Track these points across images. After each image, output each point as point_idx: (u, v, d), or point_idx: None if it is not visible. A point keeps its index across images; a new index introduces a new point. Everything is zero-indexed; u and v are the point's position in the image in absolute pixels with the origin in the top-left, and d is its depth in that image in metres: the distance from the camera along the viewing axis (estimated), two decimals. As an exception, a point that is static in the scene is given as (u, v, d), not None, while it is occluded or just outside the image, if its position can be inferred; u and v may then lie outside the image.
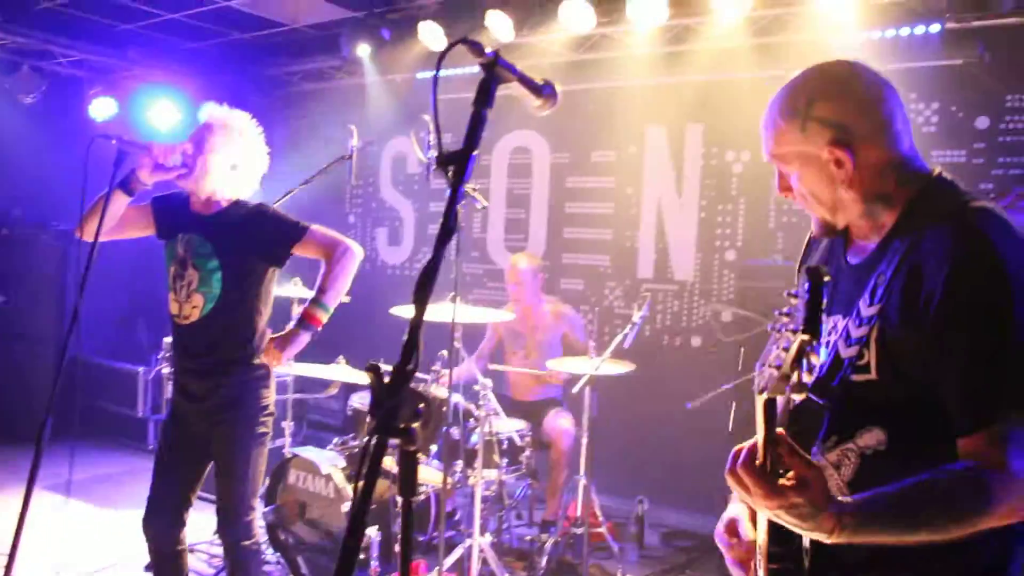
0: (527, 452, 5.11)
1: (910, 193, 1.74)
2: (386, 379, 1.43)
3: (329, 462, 5.01)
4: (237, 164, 3.62)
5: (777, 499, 1.47)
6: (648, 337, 6.68)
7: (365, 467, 1.37)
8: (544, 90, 1.78)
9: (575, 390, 4.95)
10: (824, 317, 1.69)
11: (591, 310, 7.03)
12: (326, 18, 7.13)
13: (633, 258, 6.88)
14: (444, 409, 4.64)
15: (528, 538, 5.55)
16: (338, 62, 7.47)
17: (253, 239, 3.61)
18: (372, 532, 4.68)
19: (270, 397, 3.71)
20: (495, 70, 1.63)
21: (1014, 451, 1.49)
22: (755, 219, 6.38)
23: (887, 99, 1.77)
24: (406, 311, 4.87)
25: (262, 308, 3.69)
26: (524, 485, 5.74)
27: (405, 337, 1.45)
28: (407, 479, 1.46)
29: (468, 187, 4.17)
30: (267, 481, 5.12)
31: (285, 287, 5.37)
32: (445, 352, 4.50)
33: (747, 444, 1.54)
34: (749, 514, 1.84)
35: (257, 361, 3.66)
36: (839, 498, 1.50)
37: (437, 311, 4.73)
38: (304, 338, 3.66)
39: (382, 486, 4.98)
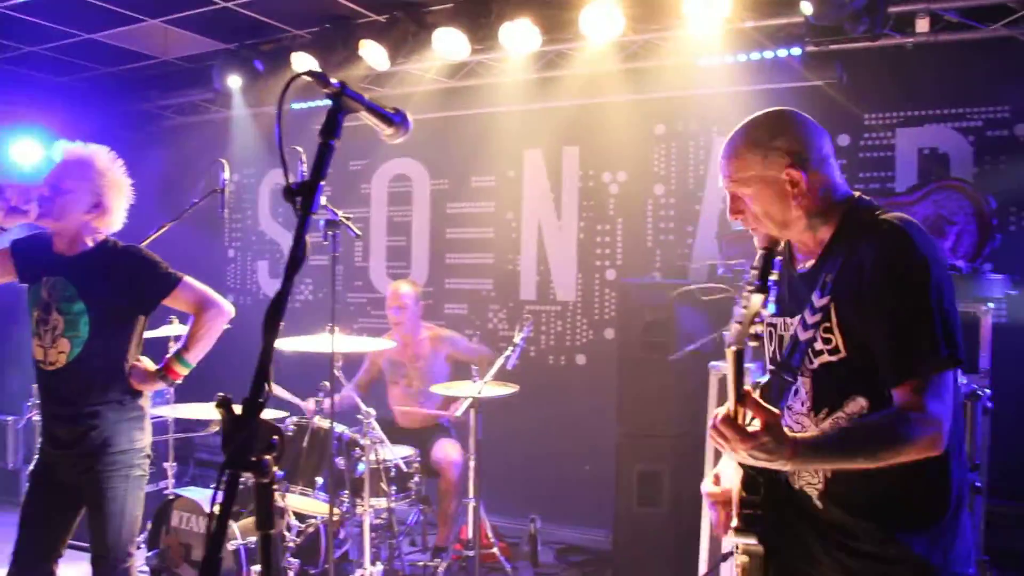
0: (416, 479, 5.10)
1: (843, 210, 2.16)
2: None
3: (212, 501, 4.91)
4: (98, 202, 3.53)
5: (749, 441, 1.87)
6: (533, 357, 6.76)
7: (218, 503, 1.37)
8: (395, 119, 1.80)
9: (458, 414, 4.97)
10: (779, 319, 2.24)
11: (475, 334, 7.06)
12: (197, 50, 7.02)
13: (515, 281, 6.96)
14: (327, 440, 4.60)
15: (421, 564, 5.53)
16: (211, 95, 7.35)
17: (122, 284, 3.50)
18: (255, 569, 4.60)
19: (145, 439, 3.61)
20: (342, 100, 1.65)
21: (929, 397, 1.93)
22: (633, 238, 6.52)
23: (826, 139, 2.24)
24: (287, 344, 4.83)
25: (132, 350, 3.60)
26: (416, 512, 5.73)
27: (255, 370, 1.45)
28: (264, 511, 1.46)
29: (341, 216, 4.20)
30: (149, 525, 4.99)
31: (162, 328, 5.25)
32: (327, 383, 4.46)
33: (723, 408, 1.93)
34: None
35: (133, 402, 3.58)
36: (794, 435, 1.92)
37: (317, 342, 4.70)
38: (158, 386, 3.65)
39: (269, 522, 4.89)
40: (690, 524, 4.77)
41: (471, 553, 4.94)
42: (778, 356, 2.23)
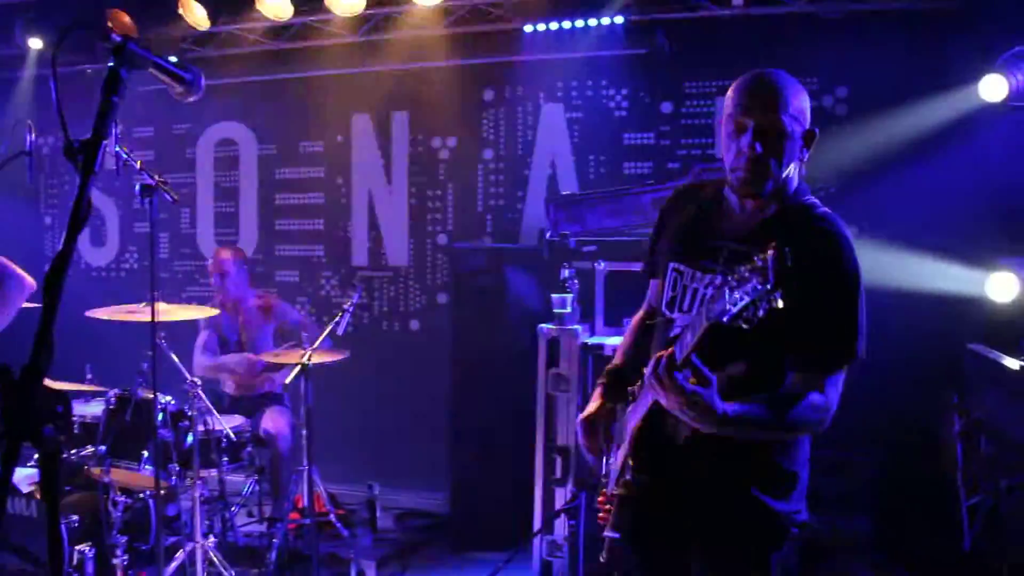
0: (248, 448, 5.02)
1: (791, 191, 2.33)
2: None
3: (28, 480, 4.70)
4: None
5: (684, 396, 2.02)
6: (366, 324, 6.73)
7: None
8: (186, 76, 1.75)
9: (288, 380, 4.91)
10: (699, 273, 2.33)
11: (307, 300, 6.97)
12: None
13: (347, 247, 6.90)
14: (151, 411, 4.46)
15: (257, 535, 5.47)
16: (16, 51, 6.91)
17: None
18: (85, 549, 4.44)
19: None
20: (125, 55, 1.59)
21: (831, 385, 2.21)
22: (464, 203, 6.56)
23: None
24: (104, 313, 4.65)
25: None
26: (251, 482, 5.64)
27: (36, 334, 1.40)
28: (48, 482, 1.42)
29: (157, 180, 4.05)
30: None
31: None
32: (150, 352, 4.32)
33: (665, 353, 2.04)
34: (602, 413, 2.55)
35: None
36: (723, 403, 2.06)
37: (141, 312, 4.54)
38: None
39: (92, 499, 4.73)
40: (526, 481, 4.89)
41: (307, 521, 4.91)
42: (678, 304, 2.37)
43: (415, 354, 6.51)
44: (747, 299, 1.74)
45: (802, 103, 2.27)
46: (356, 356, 5.18)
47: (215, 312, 5.28)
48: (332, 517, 5.33)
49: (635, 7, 5.70)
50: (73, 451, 4.99)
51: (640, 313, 2.76)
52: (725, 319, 1.80)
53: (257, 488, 5.64)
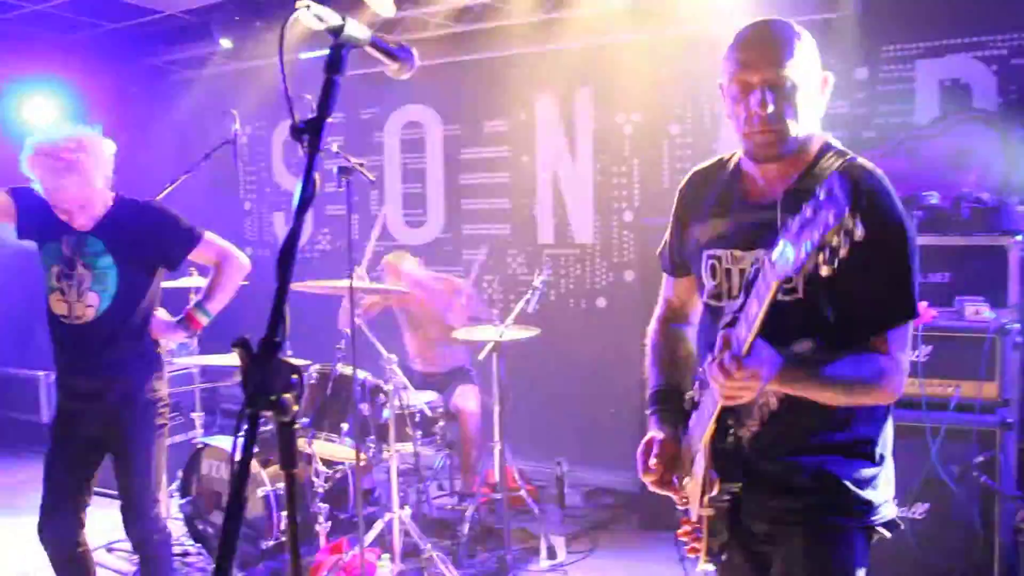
0: (440, 423, 5.14)
1: (818, 147, 2.13)
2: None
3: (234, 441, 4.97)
4: (108, 175, 3.55)
5: (759, 382, 1.83)
6: (553, 301, 6.74)
7: (240, 442, 1.37)
8: (400, 54, 1.77)
9: (481, 357, 4.98)
10: (739, 252, 2.15)
11: (495, 279, 7.06)
12: (201, 3, 6.94)
13: (533, 225, 6.92)
14: (350, 386, 4.62)
15: (449, 507, 5.59)
16: (216, 48, 7.30)
17: (149, 240, 3.58)
18: (285, 515, 4.66)
19: (163, 388, 3.68)
20: (344, 35, 1.61)
21: (900, 347, 2.04)
22: (649, 179, 6.46)
23: None
24: (307, 287, 4.85)
25: (155, 302, 3.68)
26: (443, 456, 5.77)
27: (271, 309, 1.44)
28: (286, 451, 1.46)
29: (354, 162, 4.18)
30: (180, 474, 5.07)
31: (183, 279, 5.29)
32: (348, 329, 4.47)
33: (720, 350, 1.86)
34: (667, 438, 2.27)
35: (152, 352, 3.64)
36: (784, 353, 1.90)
37: (337, 287, 4.71)
38: (180, 336, 3.78)
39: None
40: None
41: (498, 496, 4.98)
42: (724, 290, 2.20)
43: (602, 331, 6.47)
44: (820, 235, 1.53)
45: (809, 49, 2.08)
46: (543, 334, 5.19)
47: (406, 289, 5.42)
48: (523, 493, 5.38)
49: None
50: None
51: (658, 318, 2.55)
52: (794, 271, 1.60)
53: (448, 462, 5.77)
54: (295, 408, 1.42)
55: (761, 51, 2.05)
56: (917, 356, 3.77)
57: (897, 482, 3.74)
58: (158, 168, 7.87)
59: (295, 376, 1.43)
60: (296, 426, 1.45)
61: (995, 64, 5.26)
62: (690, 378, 2.37)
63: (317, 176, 1.53)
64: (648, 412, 2.40)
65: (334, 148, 4.32)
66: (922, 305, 3.82)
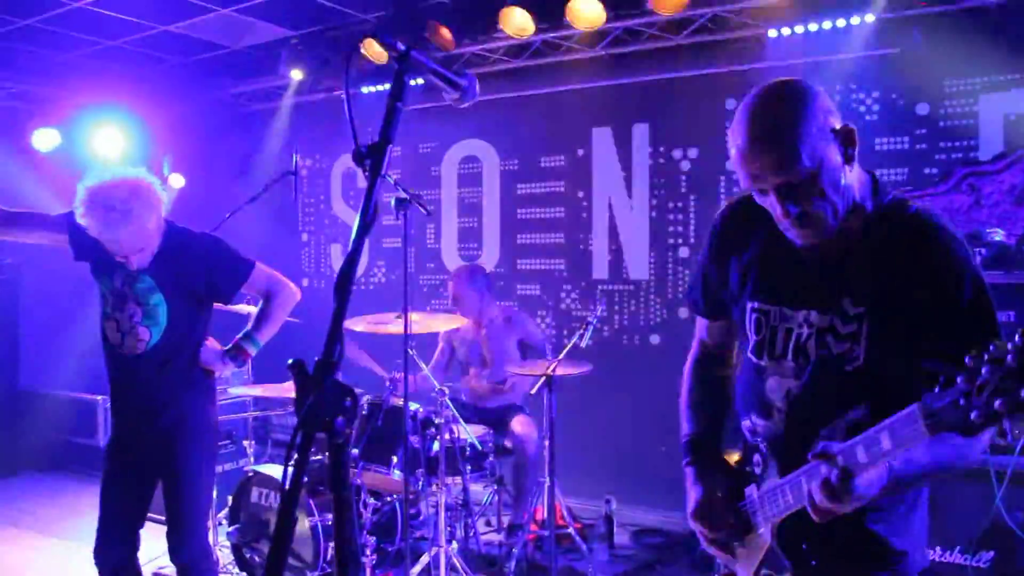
0: (490, 458, 5.11)
1: (865, 194, 1.98)
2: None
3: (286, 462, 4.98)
4: (159, 220, 3.55)
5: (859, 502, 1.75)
6: (607, 337, 6.71)
7: (292, 460, 1.37)
8: (461, 82, 1.77)
9: (533, 391, 4.96)
10: (788, 311, 2.04)
11: (548, 314, 7.05)
12: (267, 38, 7.10)
13: (587, 260, 6.91)
14: (401, 418, 4.62)
15: (496, 543, 5.54)
16: (282, 82, 7.45)
17: (199, 274, 3.58)
18: (333, 546, 4.65)
19: (215, 414, 3.70)
20: (408, 62, 1.63)
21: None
22: (706, 215, 6.41)
23: None
24: (357, 324, 4.88)
25: (205, 331, 3.71)
26: (492, 492, 5.74)
27: (328, 330, 1.45)
28: (337, 473, 1.46)
29: (411, 193, 4.21)
30: (230, 501, 5.10)
31: (239, 304, 5.35)
32: (400, 361, 4.48)
33: (826, 475, 1.75)
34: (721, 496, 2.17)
35: (204, 380, 3.67)
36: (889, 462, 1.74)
37: (390, 323, 4.74)
38: (229, 367, 3.72)
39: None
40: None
41: (546, 533, 4.93)
42: (771, 349, 2.09)
43: (655, 369, 6.42)
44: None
45: (814, 120, 1.87)
46: (596, 370, 5.15)
47: (464, 322, 5.42)
48: (571, 530, 5.32)
49: (888, 5, 5.38)
50: (327, 454, 5.26)
51: (693, 359, 2.44)
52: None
53: (497, 498, 5.73)
54: (348, 431, 1.42)
55: (764, 159, 1.86)
56: (981, 399, 3.66)
57: (961, 529, 3.67)
58: (221, 199, 8.05)
59: (349, 399, 1.43)
60: (347, 448, 1.45)
61: (1060, 99, 5.18)
62: (725, 424, 2.32)
63: (378, 202, 1.54)
64: (686, 461, 2.29)
65: (391, 180, 4.35)
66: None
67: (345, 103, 1.65)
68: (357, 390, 4.44)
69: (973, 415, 1.45)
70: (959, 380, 1.49)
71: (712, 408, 2.36)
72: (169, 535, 3.62)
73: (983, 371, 1.45)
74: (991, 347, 1.44)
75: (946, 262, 1.87)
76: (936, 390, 1.55)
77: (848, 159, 1.91)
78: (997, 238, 4.23)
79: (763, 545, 2.07)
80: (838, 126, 1.91)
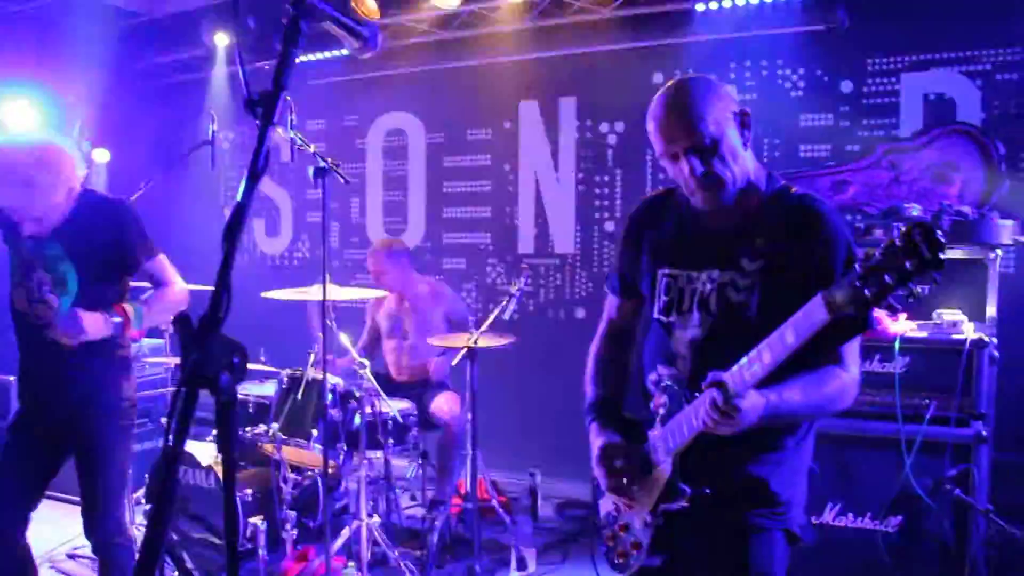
0: (413, 432, 5.06)
1: (764, 175, 2.33)
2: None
3: (209, 454, 4.88)
4: (71, 188, 3.41)
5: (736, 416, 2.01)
6: (532, 311, 6.70)
7: (173, 420, 1.31)
8: (362, 31, 1.71)
9: (454, 363, 4.92)
10: (694, 273, 2.34)
11: (473, 288, 7.01)
12: (188, 7, 6.90)
13: (513, 234, 6.88)
14: (321, 392, 4.54)
15: (420, 517, 5.51)
16: (204, 52, 7.25)
17: (110, 242, 3.42)
18: (258, 522, 4.58)
19: (130, 389, 3.58)
20: (304, 6, 1.56)
21: (853, 361, 2.21)
22: (632, 189, 6.43)
23: None
24: (278, 293, 4.79)
25: (121, 296, 3.56)
26: (416, 466, 5.69)
27: (215, 283, 1.38)
28: (224, 433, 1.40)
29: (330, 163, 4.12)
30: (147, 480, 4.98)
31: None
32: (321, 334, 4.40)
33: (716, 385, 2.04)
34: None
35: (118, 352, 3.54)
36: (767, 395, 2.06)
37: (313, 293, 4.65)
38: (104, 325, 3.37)
39: (265, 475, 4.88)
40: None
41: (469, 505, 4.91)
42: (679, 305, 2.36)
43: (581, 342, 6.38)
44: (896, 279, 1.71)
45: (718, 100, 2.24)
46: (521, 343, 5.13)
47: (383, 293, 5.36)
48: (494, 503, 5.31)
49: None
50: (248, 429, 5.17)
51: (601, 335, 2.72)
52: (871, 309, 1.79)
53: (421, 472, 5.68)
54: (235, 390, 1.36)
55: (675, 124, 2.22)
56: (894, 368, 3.73)
57: (871, 496, 3.73)
58: (139, 171, 7.83)
59: (238, 356, 1.37)
60: (234, 406, 1.39)
61: (979, 79, 5.29)
62: (627, 392, 2.63)
63: (269, 150, 1.48)
64: (589, 420, 2.58)
65: (311, 149, 4.26)
66: (900, 317, 3.81)
67: (236, 52, 1.57)
68: (279, 370, 4.35)
69: (867, 291, 1.72)
70: (856, 266, 1.77)
71: (615, 379, 2.65)
72: (84, 513, 3.50)
73: (875, 254, 1.73)
74: (880, 211, 1.75)
75: (827, 231, 2.19)
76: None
77: (745, 141, 2.28)
78: (914, 213, 4.29)
79: (662, 479, 2.28)
80: (738, 110, 2.27)
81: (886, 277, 1.69)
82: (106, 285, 3.47)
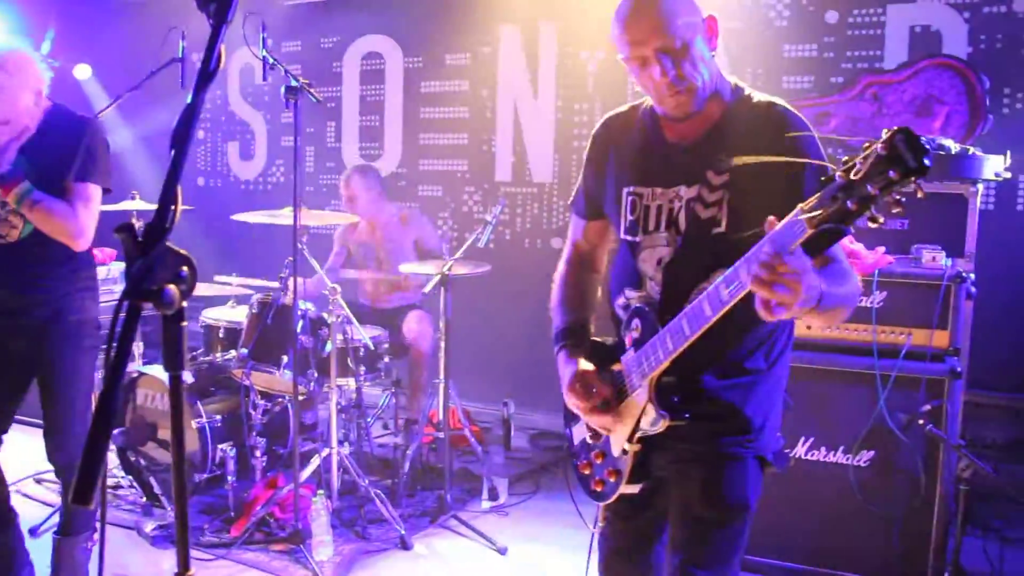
0: (385, 360, 5.01)
1: (729, 87, 2.23)
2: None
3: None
4: (38, 91, 3.29)
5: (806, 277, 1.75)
6: (508, 240, 6.62)
7: (115, 334, 1.22)
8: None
9: (426, 290, 4.86)
10: (660, 190, 2.24)
11: (449, 215, 6.91)
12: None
13: (491, 162, 6.76)
14: (292, 317, 4.47)
15: (392, 446, 5.49)
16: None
17: (69, 158, 3.30)
18: (227, 448, 4.54)
19: (94, 309, 3.50)
20: None
21: (840, 256, 2.08)
22: (612, 118, 6.30)
23: None
24: (248, 216, 4.69)
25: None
26: (389, 394, 5.66)
27: (162, 190, 1.30)
28: (171, 350, 1.32)
29: (302, 82, 4.00)
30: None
31: (123, 202, 5.11)
32: (291, 258, 4.31)
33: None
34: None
35: (83, 272, 3.45)
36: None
37: (283, 216, 4.55)
38: None
39: (235, 401, 4.82)
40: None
41: (441, 435, 4.88)
42: (645, 225, 2.27)
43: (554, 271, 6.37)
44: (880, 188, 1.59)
45: (688, 3, 2.12)
46: (497, 273, 5.07)
47: (355, 219, 5.28)
48: (467, 432, 5.29)
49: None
50: (218, 354, 5.11)
51: (567, 260, 2.60)
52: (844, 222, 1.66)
53: (393, 401, 5.65)
54: (182, 302, 1.28)
55: (644, 23, 2.09)
56: (871, 303, 3.69)
57: (844, 429, 3.72)
58: (106, 89, 7.63)
59: (185, 267, 1.29)
60: (184, 323, 1.31)
61: (967, 12, 5.20)
62: (594, 318, 2.50)
63: (222, 49, 1.38)
64: (559, 346, 2.46)
65: (283, 70, 4.14)
66: (879, 250, 3.76)
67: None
68: (249, 293, 4.26)
69: (849, 203, 1.62)
70: (837, 176, 1.65)
71: (582, 303, 2.54)
72: (46, 436, 3.45)
73: (856, 164, 1.62)
74: (861, 145, 1.63)
75: (792, 135, 2.10)
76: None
77: (712, 49, 2.16)
78: (896, 145, 4.22)
79: (640, 404, 2.19)
80: (704, 16, 2.14)
81: (868, 187, 1.60)
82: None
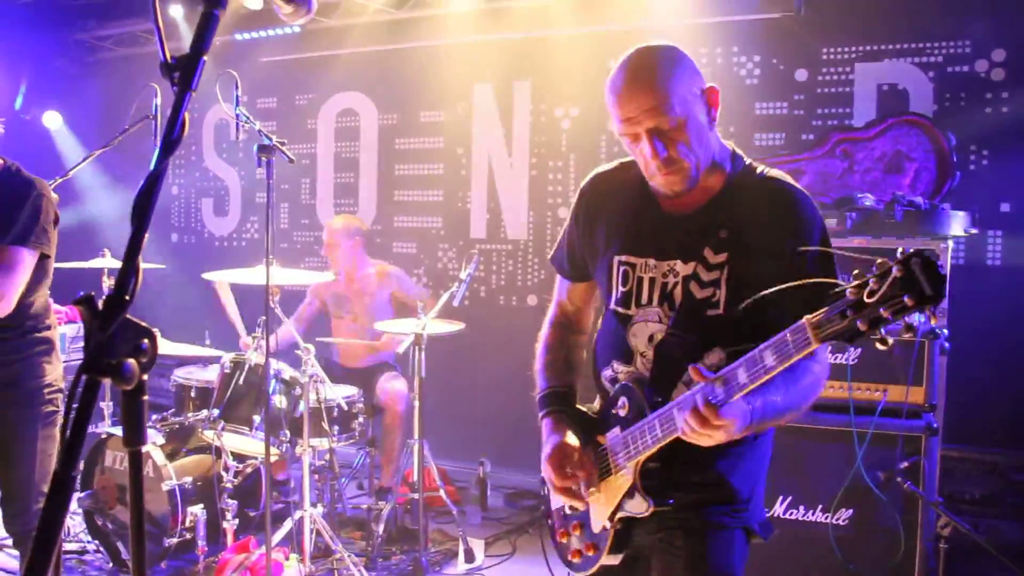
0: (360, 419, 4.95)
1: (730, 158, 2.15)
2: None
3: (147, 440, 4.74)
4: None
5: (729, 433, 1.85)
6: (483, 298, 6.60)
7: (72, 410, 1.19)
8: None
9: (400, 350, 4.81)
10: (653, 262, 2.15)
11: (424, 272, 6.89)
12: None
13: (465, 219, 6.77)
14: (264, 378, 4.41)
15: (365, 506, 5.40)
16: (151, 25, 7.03)
17: (8, 223, 3.24)
18: (197, 511, 4.45)
19: (55, 372, 3.43)
20: (227, -35, 1.44)
21: (823, 350, 1.96)
22: (586, 175, 6.31)
23: None
24: (219, 275, 4.65)
25: (39, 284, 3.39)
26: (363, 454, 5.58)
27: (123, 262, 1.27)
28: (131, 425, 1.29)
29: (275, 141, 3.99)
30: (82, 466, 4.81)
31: (94, 260, 5.06)
32: (264, 318, 4.26)
33: (698, 392, 1.89)
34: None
35: (39, 335, 3.38)
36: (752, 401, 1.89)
37: (255, 275, 4.51)
38: None
39: (206, 462, 4.74)
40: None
41: (416, 496, 4.81)
42: (638, 298, 2.18)
43: (532, 329, 6.32)
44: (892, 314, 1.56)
45: (683, 75, 2.04)
46: (472, 330, 5.04)
47: (330, 277, 5.25)
48: (442, 493, 5.21)
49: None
50: (189, 414, 5.02)
51: (551, 322, 2.55)
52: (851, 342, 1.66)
53: (367, 460, 5.57)
54: (142, 377, 1.24)
55: (639, 100, 2.01)
56: (846, 359, 3.69)
57: (822, 488, 3.69)
58: (81, 146, 7.61)
59: (146, 340, 1.25)
60: (144, 396, 1.27)
61: (932, 71, 5.28)
62: (579, 383, 2.43)
63: (186, 117, 1.36)
64: (543, 412, 2.37)
65: (257, 126, 4.12)
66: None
67: (152, 14, 1.45)
68: (219, 354, 4.22)
69: (859, 323, 1.59)
70: (848, 293, 1.62)
71: (567, 367, 2.45)
72: (3, 504, 3.37)
73: (870, 283, 1.58)
74: (873, 266, 1.60)
75: (797, 217, 2.06)
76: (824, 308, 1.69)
77: (711, 120, 2.08)
78: (867, 203, 4.26)
79: (622, 486, 2.13)
80: (705, 87, 2.07)
81: (881, 310, 1.56)
82: None
